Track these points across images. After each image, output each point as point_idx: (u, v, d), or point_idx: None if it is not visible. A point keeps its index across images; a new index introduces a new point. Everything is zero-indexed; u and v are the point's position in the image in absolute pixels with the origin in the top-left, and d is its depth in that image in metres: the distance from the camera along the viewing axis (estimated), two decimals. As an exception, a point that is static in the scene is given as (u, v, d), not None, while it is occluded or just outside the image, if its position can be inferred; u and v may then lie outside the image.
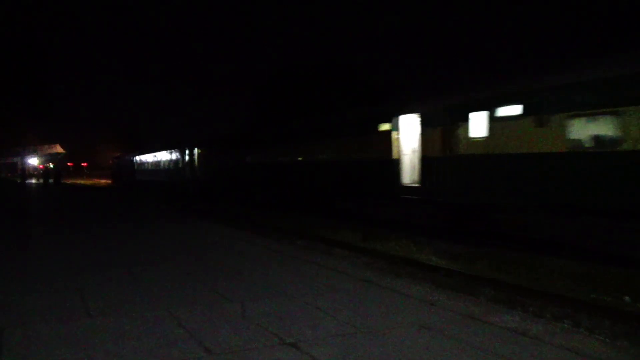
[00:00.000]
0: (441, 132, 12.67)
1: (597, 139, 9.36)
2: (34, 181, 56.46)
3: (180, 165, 31.62)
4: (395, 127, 14.38)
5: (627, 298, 7.03)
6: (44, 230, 11.30)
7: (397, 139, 14.31)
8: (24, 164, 53.58)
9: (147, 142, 67.43)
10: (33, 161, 65.49)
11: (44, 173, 49.41)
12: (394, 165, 14.33)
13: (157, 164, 36.72)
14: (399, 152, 14.27)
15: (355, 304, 4.68)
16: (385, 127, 14.81)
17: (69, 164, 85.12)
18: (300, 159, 19.85)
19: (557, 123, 9.78)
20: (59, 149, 71.97)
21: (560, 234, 10.19)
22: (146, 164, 39.48)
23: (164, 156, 35.12)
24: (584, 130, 9.54)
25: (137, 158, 42.20)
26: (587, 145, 9.47)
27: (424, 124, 13.32)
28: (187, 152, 30.58)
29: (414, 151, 13.83)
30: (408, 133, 14.06)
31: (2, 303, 4.79)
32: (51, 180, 41.65)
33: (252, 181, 23.67)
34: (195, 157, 29.47)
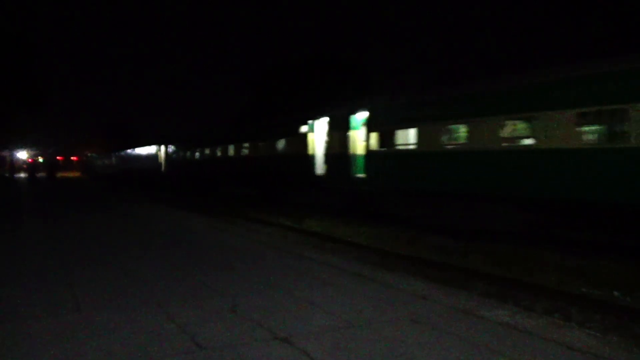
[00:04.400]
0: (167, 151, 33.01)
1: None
2: (22, 175, 55.78)
3: (113, 162, 53.23)
4: (160, 148, 34.40)
5: (616, 293, 7.09)
6: (34, 221, 11.19)
7: (161, 154, 33.70)
8: (12, 157, 52.77)
9: (136, 137, 69.58)
10: (22, 155, 64.55)
11: (30, 167, 45.51)
12: (159, 161, 33.97)
13: (104, 161, 59.17)
14: (162, 159, 33.34)
15: (347, 298, 4.67)
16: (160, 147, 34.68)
17: (58, 157, 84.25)
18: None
19: (192, 153, 29.64)
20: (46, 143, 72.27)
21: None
22: (99, 161, 62.24)
23: (108, 156, 57.64)
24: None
25: (97, 156, 66.30)
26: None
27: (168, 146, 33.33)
28: (112, 154, 54.10)
29: (164, 158, 33.52)
30: (167, 151, 33.58)
31: (-9, 298, 4.72)
32: (42, 175, 40.44)
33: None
34: (114, 158, 52.42)
